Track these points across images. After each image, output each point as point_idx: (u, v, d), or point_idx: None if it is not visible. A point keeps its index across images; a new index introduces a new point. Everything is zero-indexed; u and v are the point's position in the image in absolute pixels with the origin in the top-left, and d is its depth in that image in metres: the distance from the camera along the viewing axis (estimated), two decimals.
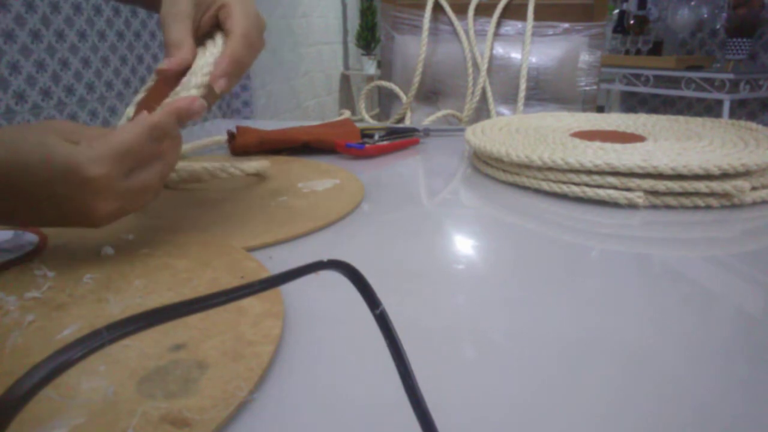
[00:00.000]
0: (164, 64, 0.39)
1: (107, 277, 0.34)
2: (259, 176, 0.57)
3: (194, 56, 0.40)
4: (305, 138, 0.70)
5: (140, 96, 0.42)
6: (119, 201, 0.34)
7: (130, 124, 0.34)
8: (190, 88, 0.38)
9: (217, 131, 0.90)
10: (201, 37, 0.43)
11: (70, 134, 0.33)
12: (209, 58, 0.40)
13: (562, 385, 0.25)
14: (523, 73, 1.10)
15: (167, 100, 0.38)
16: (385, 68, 1.29)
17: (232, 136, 0.70)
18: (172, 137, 0.37)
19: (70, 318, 0.30)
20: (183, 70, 0.40)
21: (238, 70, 0.41)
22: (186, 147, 0.67)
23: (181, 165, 0.52)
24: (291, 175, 0.59)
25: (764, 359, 0.27)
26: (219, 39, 0.42)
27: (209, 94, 0.39)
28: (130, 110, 0.42)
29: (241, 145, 0.68)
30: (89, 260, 0.37)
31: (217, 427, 0.22)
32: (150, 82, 0.42)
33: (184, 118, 0.37)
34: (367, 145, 0.68)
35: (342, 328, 0.30)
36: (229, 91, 0.44)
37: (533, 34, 1.12)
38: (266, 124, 0.83)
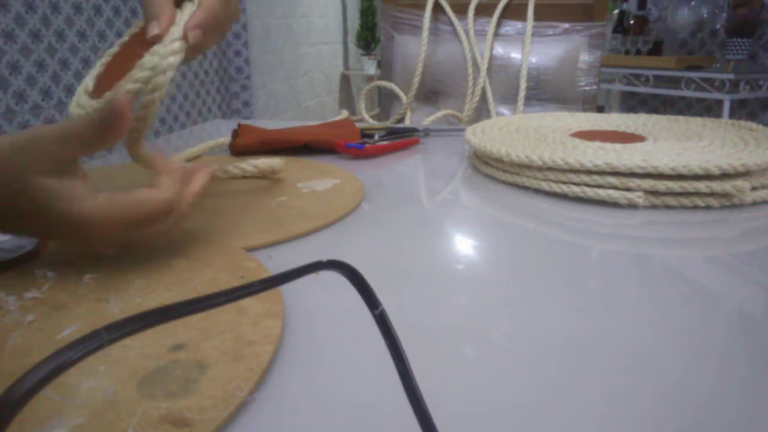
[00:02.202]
0: (155, 28, 0.38)
1: (107, 277, 0.34)
2: (273, 173, 0.56)
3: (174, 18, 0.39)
4: (306, 138, 0.70)
5: (105, 59, 0.41)
6: (118, 243, 0.35)
7: (151, 193, 0.34)
8: (171, 42, 0.37)
9: (216, 131, 0.90)
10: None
11: (54, 163, 0.31)
12: (187, 16, 0.39)
13: (562, 384, 0.25)
14: (523, 73, 1.10)
15: (125, 86, 0.36)
16: (385, 68, 1.29)
17: (236, 136, 0.70)
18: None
19: (70, 318, 0.30)
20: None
21: (212, 23, 0.40)
22: (193, 150, 0.66)
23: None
24: (291, 175, 0.59)
25: (764, 359, 0.27)
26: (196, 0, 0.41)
27: (190, 48, 0.39)
28: (89, 81, 0.41)
29: (241, 146, 0.68)
30: (89, 260, 0.37)
31: (217, 427, 0.22)
32: (116, 47, 0.40)
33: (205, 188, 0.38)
34: (367, 145, 0.68)
35: (342, 328, 0.30)
36: (208, 48, 0.43)
37: (533, 34, 1.12)
38: (266, 124, 0.83)
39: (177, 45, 0.38)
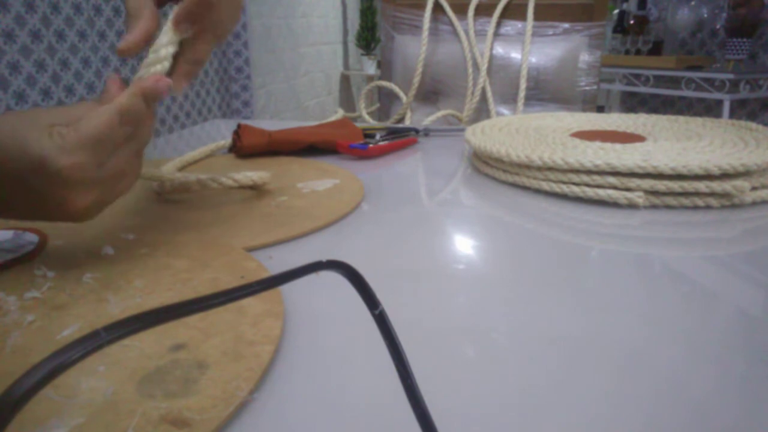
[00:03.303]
0: (122, 44, 0.37)
1: (107, 277, 0.34)
2: (256, 187, 0.52)
3: (156, 22, 0.39)
4: (312, 139, 0.70)
5: (141, 73, 0.41)
6: (96, 191, 0.33)
7: (99, 111, 0.33)
8: (159, 48, 0.37)
9: (216, 131, 0.90)
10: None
11: (50, 121, 0.32)
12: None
13: (561, 384, 0.25)
14: (523, 73, 1.10)
15: (138, 74, 0.37)
16: (385, 68, 1.29)
17: (237, 137, 0.69)
18: (143, 117, 0.35)
19: (70, 318, 0.30)
20: (148, 40, 0.38)
21: (200, 10, 0.39)
22: (193, 153, 0.66)
23: (175, 176, 0.51)
24: (291, 175, 0.59)
25: (764, 359, 0.27)
26: None
27: (190, 50, 0.39)
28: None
29: (248, 146, 0.68)
30: (89, 260, 0.37)
31: (217, 427, 0.22)
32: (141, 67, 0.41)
33: (149, 98, 0.35)
34: (370, 146, 0.68)
35: (342, 328, 0.30)
36: (216, 46, 0.42)
37: (533, 34, 1.12)
38: (266, 124, 0.83)
39: (166, 52, 0.37)
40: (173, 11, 0.38)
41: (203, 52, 0.41)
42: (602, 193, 0.49)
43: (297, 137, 0.70)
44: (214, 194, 0.53)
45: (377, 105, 1.44)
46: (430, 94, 1.23)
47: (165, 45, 0.38)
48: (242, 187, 0.51)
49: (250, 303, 0.31)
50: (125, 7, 0.39)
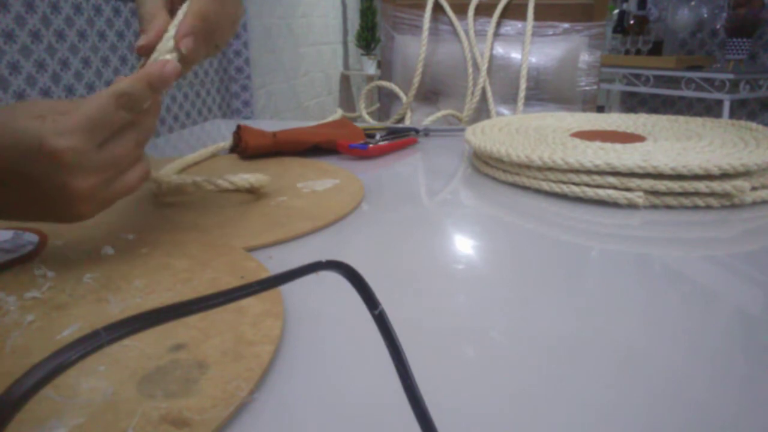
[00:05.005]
0: (141, 40, 0.38)
1: (107, 277, 0.34)
2: (254, 190, 0.51)
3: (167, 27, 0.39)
4: (316, 140, 0.70)
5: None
6: (96, 175, 0.33)
7: (96, 95, 0.33)
8: (162, 54, 0.38)
9: (216, 131, 0.90)
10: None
11: (38, 111, 0.32)
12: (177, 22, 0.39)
13: (561, 384, 0.25)
14: (523, 73, 1.10)
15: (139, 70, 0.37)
16: (385, 68, 1.29)
17: (239, 138, 0.69)
18: (146, 104, 0.35)
19: (70, 318, 0.30)
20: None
21: (204, 28, 0.39)
22: (193, 155, 0.66)
23: (171, 178, 0.50)
24: (291, 175, 0.59)
25: (764, 359, 0.27)
26: (187, 4, 0.40)
27: (184, 59, 0.39)
28: None
29: (255, 147, 0.67)
30: (89, 260, 0.37)
31: (217, 427, 0.22)
32: (139, 67, 0.41)
33: (156, 83, 0.35)
34: (370, 146, 0.68)
35: (342, 328, 0.30)
36: (207, 56, 0.42)
37: (533, 34, 1.12)
38: (266, 124, 0.83)
39: (168, 57, 0.38)
40: (176, 34, 0.39)
41: (197, 56, 0.41)
42: (602, 193, 0.49)
43: (302, 137, 0.70)
44: (215, 195, 0.53)
45: (377, 105, 1.44)
46: (430, 94, 1.23)
47: (168, 52, 0.38)
48: (239, 190, 0.51)
49: (250, 303, 0.31)
50: (139, 13, 0.40)
